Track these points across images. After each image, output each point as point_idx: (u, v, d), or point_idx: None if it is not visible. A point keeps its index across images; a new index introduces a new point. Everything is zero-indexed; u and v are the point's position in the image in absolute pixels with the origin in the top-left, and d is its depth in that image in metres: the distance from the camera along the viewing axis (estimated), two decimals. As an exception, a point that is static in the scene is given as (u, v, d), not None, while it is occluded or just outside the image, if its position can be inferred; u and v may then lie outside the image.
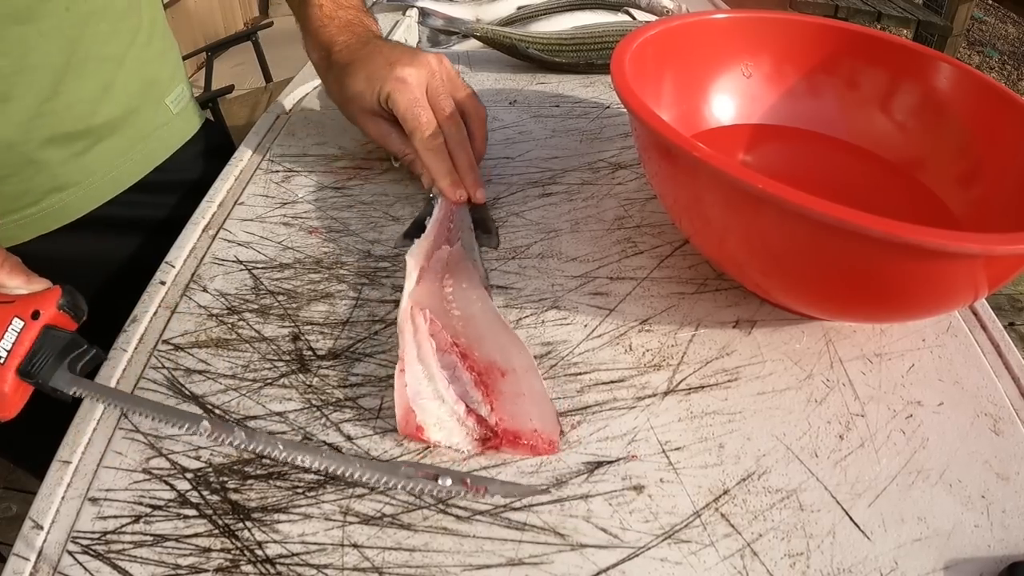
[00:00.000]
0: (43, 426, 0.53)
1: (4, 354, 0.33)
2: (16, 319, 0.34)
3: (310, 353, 0.39)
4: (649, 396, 0.36)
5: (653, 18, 0.76)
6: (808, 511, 0.31)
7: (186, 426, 0.34)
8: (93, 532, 0.31)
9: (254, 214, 0.50)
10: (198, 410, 0.36)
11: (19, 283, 0.36)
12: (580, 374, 0.37)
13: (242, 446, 0.33)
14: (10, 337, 0.33)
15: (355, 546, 0.30)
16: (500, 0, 0.80)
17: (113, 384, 0.37)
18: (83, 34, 0.49)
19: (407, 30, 0.77)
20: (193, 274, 0.44)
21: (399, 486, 0.32)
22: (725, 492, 0.32)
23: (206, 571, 0.29)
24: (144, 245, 0.59)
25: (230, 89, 1.65)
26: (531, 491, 0.32)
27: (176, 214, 0.52)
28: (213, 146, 0.66)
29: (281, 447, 0.33)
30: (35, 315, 0.34)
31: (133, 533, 0.31)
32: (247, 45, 1.98)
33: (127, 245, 0.59)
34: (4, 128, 0.47)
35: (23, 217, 0.51)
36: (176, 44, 0.63)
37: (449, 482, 0.31)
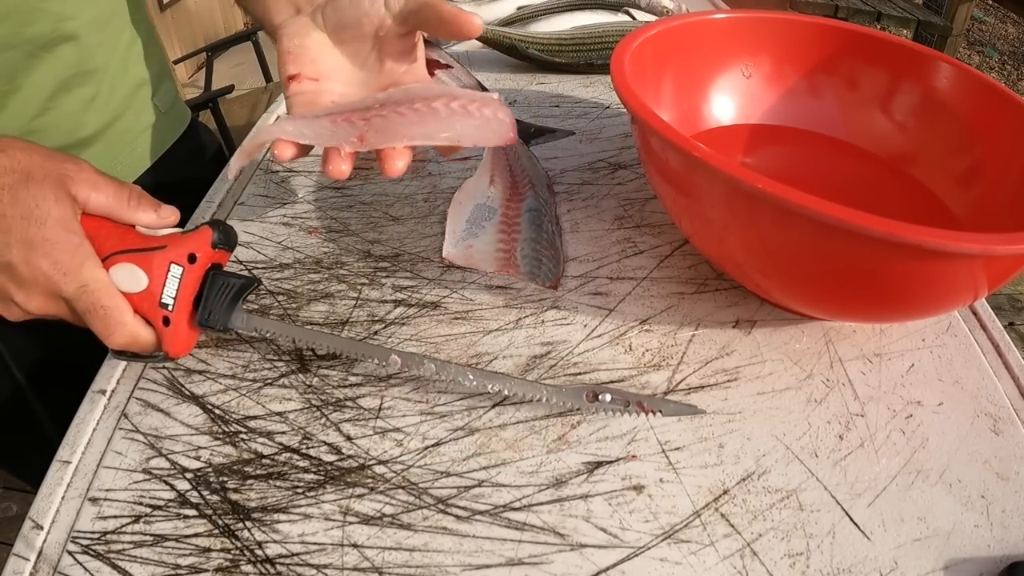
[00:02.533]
0: (25, 426, 0.52)
1: (171, 302, 0.33)
2: (174, 265, 0.34)
3: (310, 353, 0.39)
4: (649, 396, 0.36)
5: (653, 18, 0.76)
6: (808, 511, 0.31)
7: (375, 360, 0.35)
8: (93, 532, 0.31)
9: (254, 214, 0.50)
10: (198, 410, 0.36)
11: (151, 217, 0.36)
12: (580, 374, 0.37)
13: (433, 375, 0.35)
14: (172, 284, 0.33)
15: (355, 546, 0.30)
16: (500, 0, 0.80)
17: (113, 384, 0.37)
18: (69, 52, 0.48)
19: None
20: (193, 274, 0.44)
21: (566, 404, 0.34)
22: (725, 492, 0.32)
23: (206, 571, 0.29)
24: None
25: (230, 89, 1.65)
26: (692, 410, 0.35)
27: None
28: (203, 144, 0.65)
29: (472, 376, 0.35)
30: (191, 258, 0.34)
31: (133, 533, 0.31)
32: (247, 45, 1.98)
33: None
34: None
35: None
36: (160, 40, 0.62)
37: (609, 398, 0.34)
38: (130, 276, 0.33)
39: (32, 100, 0.47)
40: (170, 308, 0.34)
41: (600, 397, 0.34)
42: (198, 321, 0.35)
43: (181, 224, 0.37)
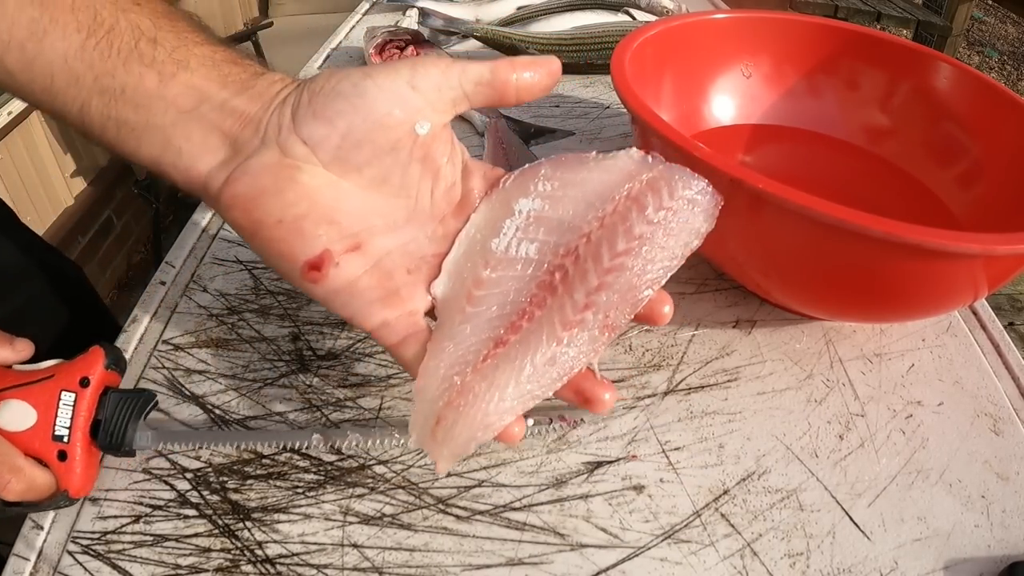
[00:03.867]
0: None
1: (66, 432, 0.30)
2: (65, 392, 0.30)
3: (310, 353, 0.39)
4: (649, 396, 0.36)
5: (653, 18, 0.76)
6: (808, 511, 0.31)
7: (299, 443, 0.33)
8: (93, 532, 0.31)
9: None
10: (198, 410, 0.36)
11: (6, 352, 0.31)
12: (580, 374, 0.37)
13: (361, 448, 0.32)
14: (65, 413, 0.30)
15: (355, 546, 0.30)
16: (500, 0, 0.80)
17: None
18: None
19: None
20: (193, 274, 0.44)
21: None
22: (725, 492, 0.32)
23: (206, 571, 0.29)
24: None
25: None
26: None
27: None
28: None
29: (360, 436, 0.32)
30: (84, 382, 0.31)
31: (133, 533, 0.31)
32: (247, 45, 1.98)
33: None
34: None
35: None
36: None
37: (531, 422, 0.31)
38: (16, 413, 0.30)
39: None
40: (65, 439, 0.30)
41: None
42: (100, 446, 0.31)
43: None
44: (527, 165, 0.29)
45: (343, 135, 0.25)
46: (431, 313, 0.28)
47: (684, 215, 0.26)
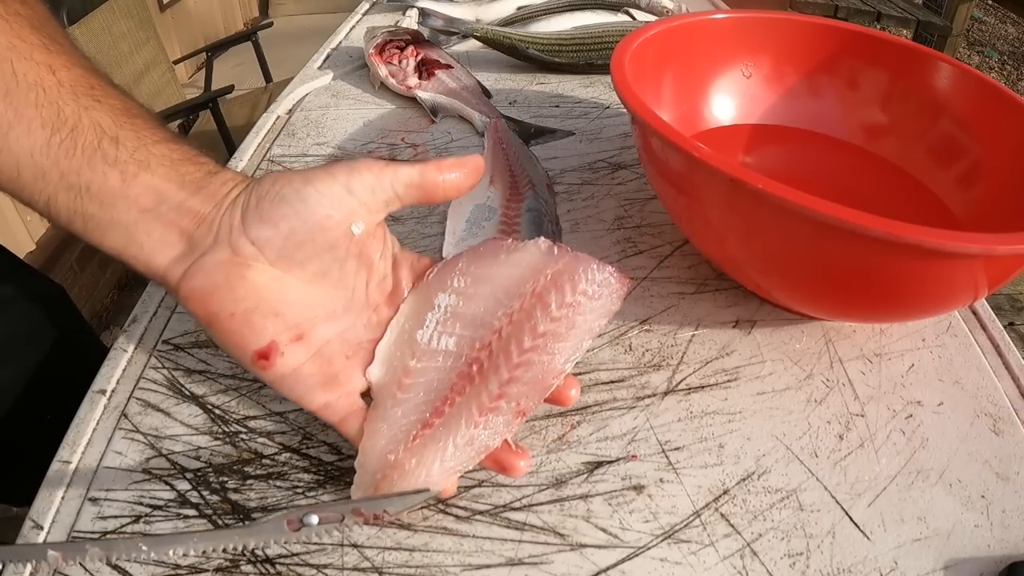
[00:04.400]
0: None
1: None
2: None
3: (310, 353, 0.39)
4: (649, 396, 0.36)
5: (653, 18, 0.76)
6: (808, 511, 0.31)
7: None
8: (93, 532, 0.31)
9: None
10: (198, 410, 0.36)
11: None
12: (580, 374, 0.37)
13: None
14: None
15: (355, 546, 0.30)
16: (500, 0, 0.80)
17: (113, 384, 0.37)
18: None
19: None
20: (193, 274, 0.44)
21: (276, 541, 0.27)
22: (725, 492, 0.32)
23: (206, 571, 0.29)
24: None
25: (230, 89, 1.65)
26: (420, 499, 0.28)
27: None
28: None
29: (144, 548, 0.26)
30: None
31: (133, 533, 0.31)
32: (247, 45, 1.98)
33: None
34: None
35: None
36: None
37: (316, 519, 0.26)
38: None
39: None
40: None
41: (305, 520, 0.26)
42: None
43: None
44: (448, 258, 0.32)
45: (286, 236, 0.28)
46: (367, 393, 0.32)
47: (586, 307, 0.30)
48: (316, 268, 0.29)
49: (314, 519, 0.26)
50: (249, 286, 0.28)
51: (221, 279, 0.28)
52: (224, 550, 0.29)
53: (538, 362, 0.29)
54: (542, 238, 0.31)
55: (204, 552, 0.30)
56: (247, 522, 0.31)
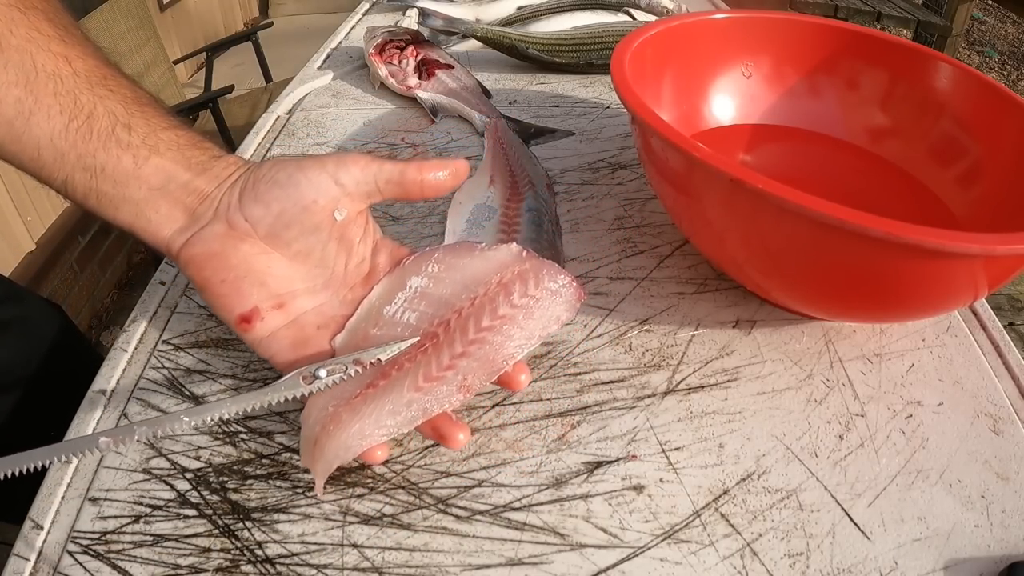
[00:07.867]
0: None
1: None
2: None
3: (310, 353, 0.39)
4: (649, 396, 0.36)
5: (653, 18, 0.76)
6: (808, 511, 0.31)
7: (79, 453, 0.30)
8: (93, 532, 0.31)
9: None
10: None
11: None
12: (580, 374, 0.37)
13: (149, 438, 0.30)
14: None
15: (355, 546, 0.30)
16: (500, 0, 0.80)
17: (113, 384, 0.37)
18: None
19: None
20: (193, 274, 0.44)
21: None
22: (725, 492, 0.32)
23: (206, 571, 0.29)
24: None
25: (230, 89, 1.65)
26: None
27: None
28: None
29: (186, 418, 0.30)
30: None
31: (133, 533, 0.31)
32: (247, 45, 1.98)
33: None
34: None
35: None
36: None
37: (324, 373, 0.31)
38: None
39: None
40: None
41: (316, 374, 0.31)
42: None
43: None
44: (427, 248, 0.35)
45: (276, 216, 0.31)
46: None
47: (545, 304, 0.32)
48: (300, 247, 0.32)
49: (323, 372, 0.31)
50: (241, 256, 0.32)
51: (217, 248, 0.31)
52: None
53: (492, 342, 0.31)
54: (514, 244, 0.34)
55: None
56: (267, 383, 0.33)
